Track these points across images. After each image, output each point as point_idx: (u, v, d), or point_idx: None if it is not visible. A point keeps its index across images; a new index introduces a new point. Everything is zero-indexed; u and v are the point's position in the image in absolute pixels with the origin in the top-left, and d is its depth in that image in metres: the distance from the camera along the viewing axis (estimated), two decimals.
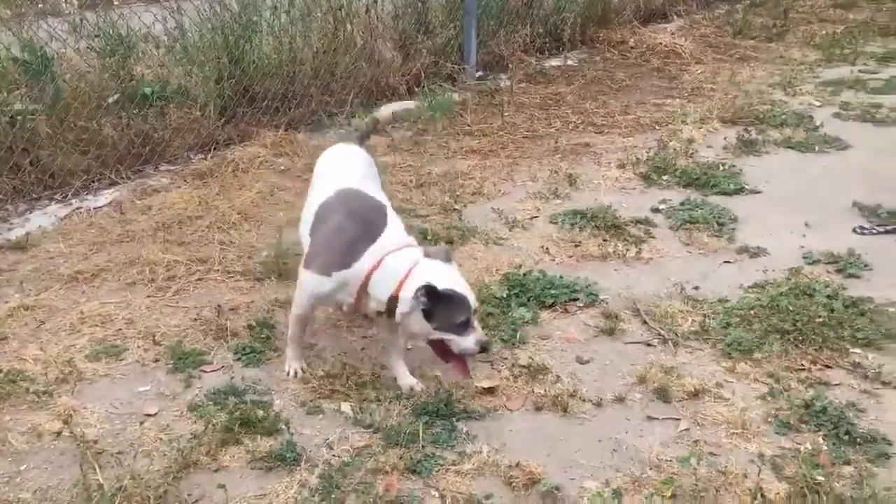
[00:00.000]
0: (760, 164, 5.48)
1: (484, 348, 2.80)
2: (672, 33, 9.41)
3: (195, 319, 3.46)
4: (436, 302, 2.72)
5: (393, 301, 2.78)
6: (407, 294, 2.74)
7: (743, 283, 3.86)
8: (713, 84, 7.48)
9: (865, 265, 4.03)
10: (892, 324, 3.48)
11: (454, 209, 4.67)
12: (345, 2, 6.72)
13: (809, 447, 2.74)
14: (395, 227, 2.96)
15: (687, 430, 2.87)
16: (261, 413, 2.84)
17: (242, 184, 4.83)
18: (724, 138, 5.89)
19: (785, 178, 5.25)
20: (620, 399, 3.03)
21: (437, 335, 2.79)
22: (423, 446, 2.73)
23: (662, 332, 3.45)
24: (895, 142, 5.90)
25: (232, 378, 3.09)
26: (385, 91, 6.74)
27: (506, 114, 6.40)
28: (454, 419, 2.89)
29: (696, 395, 3.04)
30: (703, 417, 2.93)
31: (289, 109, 5.89)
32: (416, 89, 6.85)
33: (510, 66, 7.57)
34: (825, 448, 2.74)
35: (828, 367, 3.21)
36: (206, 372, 3.13)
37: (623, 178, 5.20)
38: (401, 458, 2.67)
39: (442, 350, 2.84)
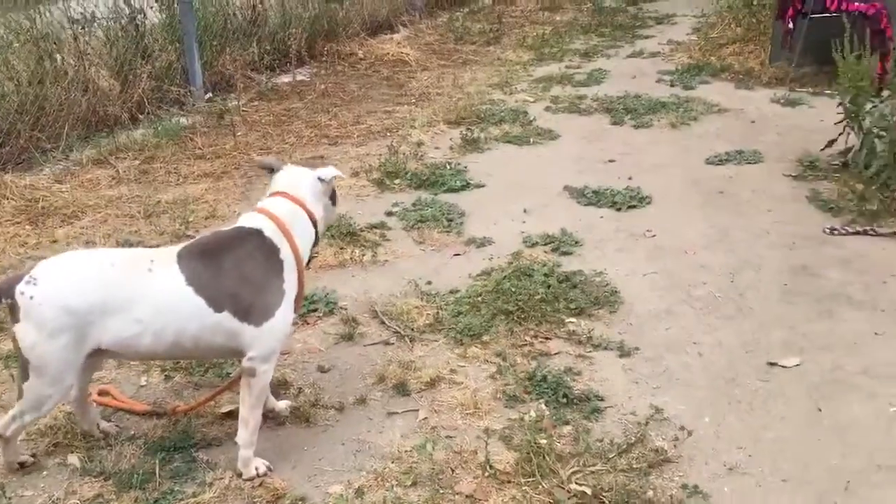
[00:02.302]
0: (483, 159, 5.83)
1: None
2: (399, 43, 9.76)
3: None
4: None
5: (315, 222, 2.85)
6: (317, 206, 2.87)
7: (471, 272, 4.09)
8: (438, 88, 7.85)
9: (577, 242, 4.42)
10: (598, 291, 3.86)
11: (186, 235, 4.52)
12: (50, 30, 6.30)
13: (534, 415, 2.96)
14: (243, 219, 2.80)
15: (425, 418, 2.99)
16: None
17: None
18: (450, 139, 6.21)
19: (505, 170, 5.62)
20: (362, 400, 3.10)
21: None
22: (160, 484, 2.62)
23: (399, 329, 3.57)
24: (597, 129, 6.53)
25: None
26: (105, 121, 6.38)
27: (238, 134, 6.29)
28: (193, 450, 2.81)
29: (432, 384, 3.18)
30: (439, 404, 3.07)
31: None
32: (140, 117, 6.56)
33: (239, 85, 7.45)
34: (547, 413, 2.98)
35: (547, 338, 3.49)
36: None
37: (357, 186, 5.31)
38: (136, 500, 2.55)
39: None
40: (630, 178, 5.35)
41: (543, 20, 11.94)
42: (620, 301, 3.81)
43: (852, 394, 3.09)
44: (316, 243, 2.90)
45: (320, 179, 2.90)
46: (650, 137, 6.30)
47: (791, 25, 7.24)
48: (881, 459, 2.73)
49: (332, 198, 3.00)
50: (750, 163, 5.60)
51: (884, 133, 4.89)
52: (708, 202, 4.99)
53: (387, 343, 3.50)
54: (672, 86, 7.70)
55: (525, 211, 4.86)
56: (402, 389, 3.15)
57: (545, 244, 4.40)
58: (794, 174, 5.29)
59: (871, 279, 3.95)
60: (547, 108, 7.11)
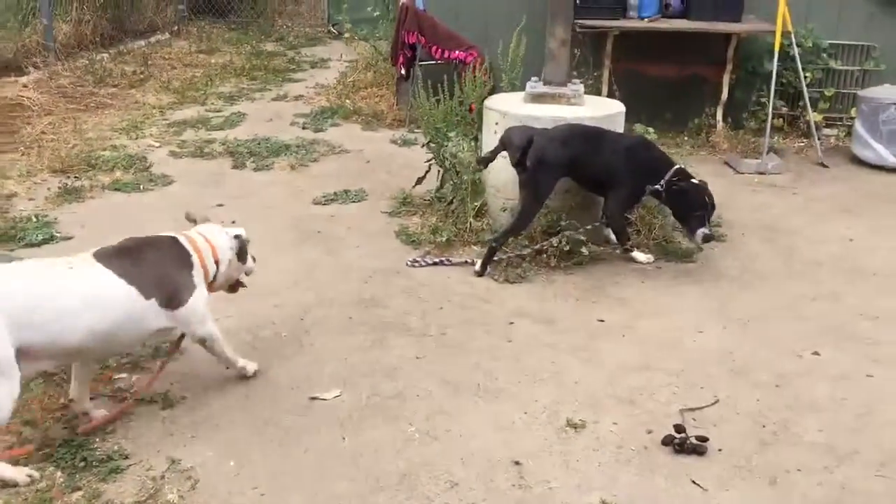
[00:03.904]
0: (82, 209, 5.52)
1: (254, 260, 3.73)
2: (25, 86, 9.00)
3: None
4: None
5: (217, 261, 3.37)
6: (225, 253, 3.42)
7: None
8: (55, 134, 7.33)
9: None
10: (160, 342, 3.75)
11: None
12: None
13: (44, 484, 2.78)
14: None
15: None
16: None
17: None
18: (49, 189, 5.80)
19: (103, 220, 5.35)
20: None
21: (245, 269, 3.59)
22: None
23: None
24: (216, 172, 6.48)
25: None
26: None
27: None
28: None
29: None
30: None
31: None
32: None
33: None
34: (60, 481, 2.80)
35: (90, 398, 3.31)
36: None
37: None
38: None
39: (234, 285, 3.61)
40: (234, 222, 5.31)
41: (198, 63, 11.70)
42: (182, 350, 3.73)
43: (379, 418, 3.29)
44: (214, 277, 3.37)
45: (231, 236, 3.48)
46: (267, 180, 6.37)
47: (403, 71, 7.76)
48: (385, 480, 2.91)
49: (241, 255, 3.52)
50: (354, 201, 5.86)
51: (459, 170, 5.36)
52: (304, 242, 5.12)
53: None
54: (304, 128, 7.88)
55: None
56: None
57: None
58: (389, 211, 5.62)
59: (429, 306, 4.27)
60: (171, 153, 6.93)
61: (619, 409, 3.38)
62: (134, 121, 7.98)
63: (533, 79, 5.34)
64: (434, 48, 7.64)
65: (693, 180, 4.78)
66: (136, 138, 7.36)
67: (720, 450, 3.12)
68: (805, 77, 7.57)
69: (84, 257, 3.01)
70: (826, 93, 7.87)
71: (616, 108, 5.21)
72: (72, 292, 2.84)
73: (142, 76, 10.29)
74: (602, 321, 4.17)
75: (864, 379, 3.65)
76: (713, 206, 4.75)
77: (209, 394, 3.41)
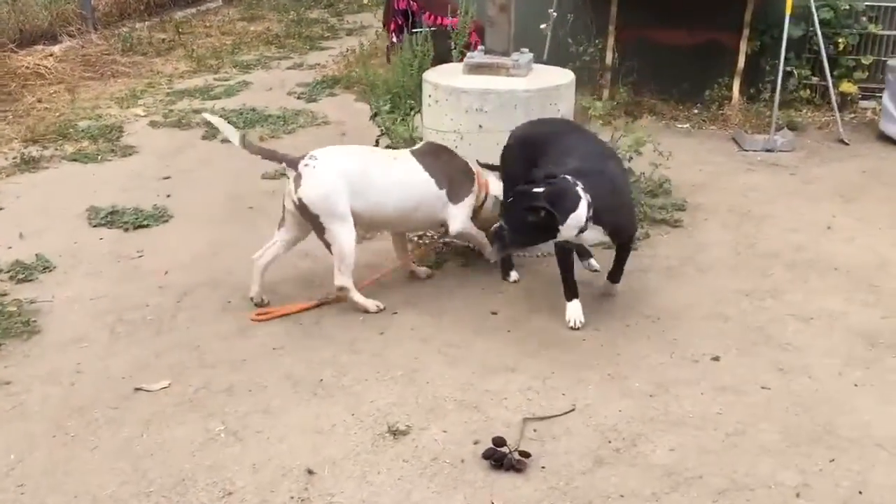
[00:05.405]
0: (30, 180, 5.53)
1: None
2: (52, 55, 9.18)
3: None
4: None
5: (487, 195, 4.08)
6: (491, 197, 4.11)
7: None
8: (50, 103, 7.42)
9: (47, 268, 4.24)
10: (14, 321, 3.66)
11: None
12: None
13: None
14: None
15: None
16: None
17: None
18: (7, 158, 5.84)
19: (45, 191, 5.34)
20: None
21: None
22: None
23: None
24: (184, 144, 6.39)
25: None
26: None
27: None
28: None
29: None
30: None
31: None
32: None
33: None
34: None
35: None
36: None
37: None
38: None
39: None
40: (168, 196, 5.23)
41: (235, 31, 11.68)
42: (37, 331, 3.64)
43: (194, 414, 3.08)
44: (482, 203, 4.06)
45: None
46: (230, 152, 6.13)
47: (395, 38, 7.44)
48: (159, 483, 2.70)
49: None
50: None
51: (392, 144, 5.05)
52: (230, 219, 4.96)
53: None
54: (298, 98, 7.71)
55: (21, 236, 4.61)
56: None
57: (8, 271, 4.17)
58: None
59: (322, 291, 4.00)
60: (151, 123, 6.90)
61: (458, 415, 3.05)
62: (135, 90, 8.00)
63: (480, 48, 4.93)
64: (427, 14, 7.28)
65: (561, 182, 3.40)
66: (127, 108, 7.36)
67: (543, 468, 2.76)
68: (839, 43, 6.85)
69: (405, 152, 3.96)
70: (863, 60, 7.06)
71: (562, 79, 4.74)
72: (391, 175, 3.73)
73: (170, 45, 10.33)
74: (495, 314, 3.81)
75: (756, 391, 3.17)
76: (512, 221, 3.42)
77: (35, 379, 3.29)
